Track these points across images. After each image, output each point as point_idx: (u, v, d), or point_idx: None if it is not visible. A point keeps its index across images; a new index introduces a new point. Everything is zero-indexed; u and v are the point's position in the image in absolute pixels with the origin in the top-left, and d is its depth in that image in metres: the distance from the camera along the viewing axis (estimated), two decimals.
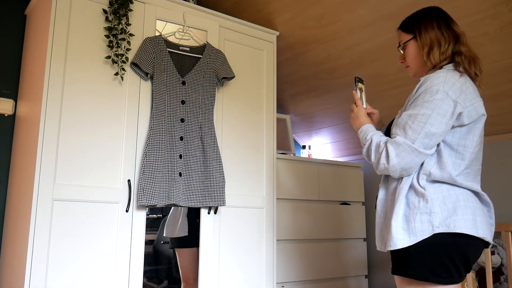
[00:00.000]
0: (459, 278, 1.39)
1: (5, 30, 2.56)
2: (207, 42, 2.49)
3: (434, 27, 1.50)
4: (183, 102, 2.33)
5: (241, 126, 2.62)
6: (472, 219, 1.37)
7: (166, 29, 2.43)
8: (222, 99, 2.55)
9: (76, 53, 2.11)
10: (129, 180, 2.16)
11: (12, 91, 2.54)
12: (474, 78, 1.49)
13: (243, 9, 2.97)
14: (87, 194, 2.05)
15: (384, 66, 2.73)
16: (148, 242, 2.53)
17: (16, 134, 2.46)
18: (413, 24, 1.56)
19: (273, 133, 2.77)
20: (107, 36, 2.16)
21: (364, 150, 1.52)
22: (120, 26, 2.18)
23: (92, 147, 2.09)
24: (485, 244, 1.43)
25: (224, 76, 2.45)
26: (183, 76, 2.36)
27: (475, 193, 1.45)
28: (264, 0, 2.79)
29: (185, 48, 2.41)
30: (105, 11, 2.18)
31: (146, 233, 2.20)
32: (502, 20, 2.16)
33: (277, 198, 2.74)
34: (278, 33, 2.89)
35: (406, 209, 1.40)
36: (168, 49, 2.34)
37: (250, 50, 2.75)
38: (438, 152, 1.42)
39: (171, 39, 2.40)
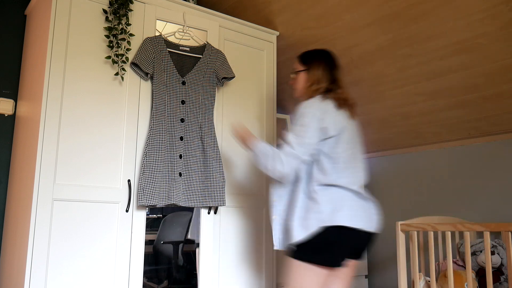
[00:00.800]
0: (339, 261, 1.75)
1: (5, 30, 2.56)
2: (207, 42, 2.49)
3: (321, 68, 1.93)
4: (183, 102, 2.33)
5: None
6: (353, 214, 1.73)
7: (166, 29, 2.44)
8: (222, 99, 2.55)
9: (76, 53, 2.11)
10: (129, 180, 2.16)
11: (12, 91, 2.54)
12: (345, 110, 1.87)
13: (243, 9, 2.97)
14: (87, 194, 2.05)
15: (384, 66, 2.73)
16: (148, 242, 2.53)
17: (16, 134, 2.46)
18: (309, 60, 1.98)
19: (273, 133, 2.77)
20: (107, 36, 2.16)
21: (260, 159, 1.85)
22: (120, 26, 2.18)
23: (92, 147, 2.09)
24: (369, 234, 1.79)
25: (224, 76, 2.45)
26: (183, 76, 2.36)
27: (355, 192, 1.79)
28: (264, 0, 2.79)
29: (185, 48, 2.41)
30: (105, 11, 2.18)
31: (146, 233, 2.20)
32: (502, 20, 2.16)
33: None
34: (278, 33, 2.89)
35: (302, 211, 1.77)
36: (168, 49, 2.34)
37: (250, 50, 2.75)
38: (319, 161, 1.80)
39: (171, 39, 2.40)
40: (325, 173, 1.78)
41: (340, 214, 1.72)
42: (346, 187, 1.78)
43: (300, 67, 2.00)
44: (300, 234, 1.74)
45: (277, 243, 1.89)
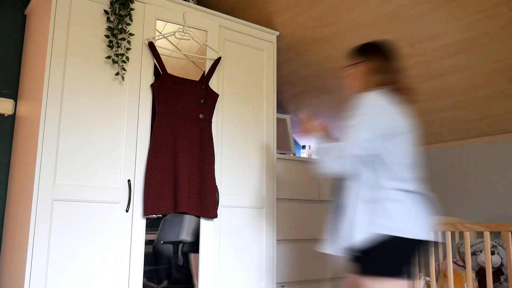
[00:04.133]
0: None
1: (5, 30, 2.56)
2: (206, 43, 2.49)
3: (381, 58, 1.79)
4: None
5: (241, 126, 2.62)
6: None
7: (166, 29, 2.43)
8: (222, 99, 2.55)
9: (76, 53, 2.11)
10: (129, 180, 2.16)
11: (12, 91, 2.54)
12: (405, 102, 1.73)
13: (243, 9, 2.97)
14: (87, 194, 2.05)
15: None
16: (148, 242, 2.53)
17: (16, 134, 2.46)
18: (366, 51, 1.84)
19: (273, 133, 2.77)
20: (107, 36, 2.15)
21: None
22: (120, 26, 2.18)
23: (92, 147, 2.09)
24: None
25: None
26: None
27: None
28: (264, 0, 2.79)
29: None
30: (106, 12, 2.18)
31: (146, 233, 2.20)
32: (502, 20, 2.16)
33: (277, 198, 2.74)
34: (278, 33, 2.89)
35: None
36: None
37: (250, 50, 2.74)
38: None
39: (171, 39, 2.40)
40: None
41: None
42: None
43: (358, 59, 1.85)
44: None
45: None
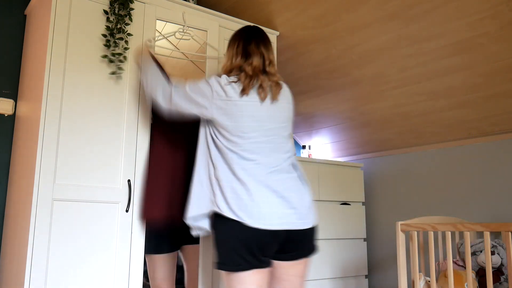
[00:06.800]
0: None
1: (5, 30, 2.56)
2: (207, 42, 2.49)
3: (234, 46, 1.84)
4: None
5: None
6: None
7: (166, 29, 2.43)
8: None
9: (76, 53, 2.10)
10: (129, 180, 2.16)
11: (12, 91, 2.54)
12: (255, 89, 1.75)
13: (243, 9, 2.97)
14: (87, 194, 2.05)
15: (384, 66, 2.73)
16: None
17: (16, 134, 2.46)
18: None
19: None
20: (104, 36, 2.15)
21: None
22: (118, 26, 2.17)
23: (92, 147, 2.09)
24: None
25: None
26: None
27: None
28: (264, 0, 2.79)
29: None
30: (105, 12, 2.18)
31: None
32: (502, 20, 2.16)
33: None
34: (278, 33, 2.89)
35: None
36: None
37: None
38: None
39: (171, 39, 2.40)
40: None
41: None
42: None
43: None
44: None
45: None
